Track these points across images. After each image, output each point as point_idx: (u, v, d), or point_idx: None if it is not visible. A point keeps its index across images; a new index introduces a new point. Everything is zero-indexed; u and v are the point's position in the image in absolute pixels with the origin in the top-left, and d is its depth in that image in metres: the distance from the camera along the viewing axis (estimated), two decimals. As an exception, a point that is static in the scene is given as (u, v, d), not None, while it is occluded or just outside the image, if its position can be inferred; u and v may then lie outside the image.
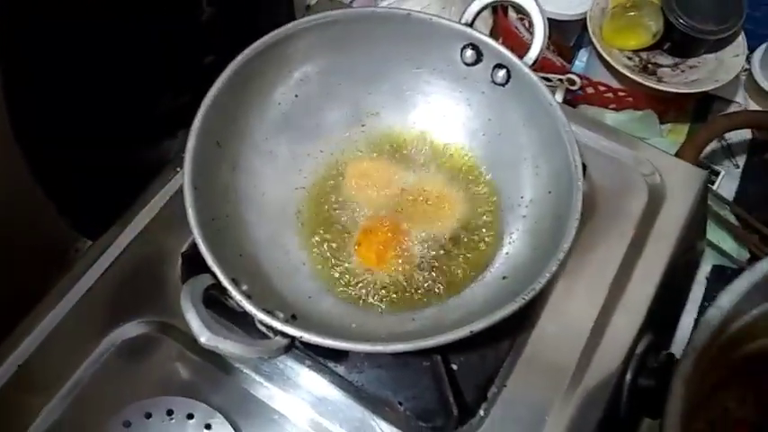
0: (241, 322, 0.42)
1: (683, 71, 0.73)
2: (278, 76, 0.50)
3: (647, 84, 0.70)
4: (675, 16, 0.70)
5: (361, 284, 0.48)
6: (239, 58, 0.46)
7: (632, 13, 0.70)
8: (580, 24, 0.76)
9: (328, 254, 0.50)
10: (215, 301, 0.39)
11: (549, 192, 0.48)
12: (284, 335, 0.38)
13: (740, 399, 0.49)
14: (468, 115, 0.54)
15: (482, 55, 0.51)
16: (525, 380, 0.48)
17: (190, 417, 0.45)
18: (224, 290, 0.39)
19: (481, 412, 0.47)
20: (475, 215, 0.52)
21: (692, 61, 0.74)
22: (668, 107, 0.74)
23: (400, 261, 0.49)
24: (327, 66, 0.52)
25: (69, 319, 0.49)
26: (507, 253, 0.49)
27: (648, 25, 0.71)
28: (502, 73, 0.51)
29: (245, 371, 0.47)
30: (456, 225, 0.51)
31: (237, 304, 0.39)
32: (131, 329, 0.48)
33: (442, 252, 0.50)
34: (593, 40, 0.73)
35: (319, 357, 0.47)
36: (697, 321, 0.68)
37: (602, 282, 0.52)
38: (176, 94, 0.66)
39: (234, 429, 0.45)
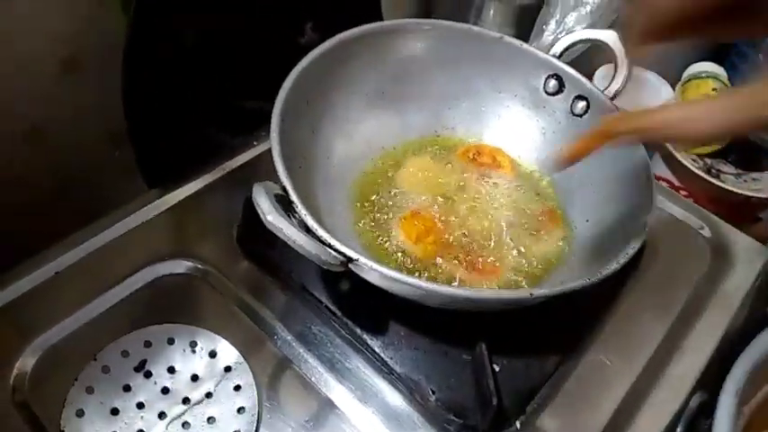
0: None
1: (745, 181, 0.74)
2: (373, 65, 0.53)
3: (710, 181, 0.72)
4: (743, 124, 0.72)
5: (400, 266, 0.47)
6: (347, 33, 0.50)
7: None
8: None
9: (378, 236, 0.49)
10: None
11: (618, 210, 0.47)
12: (342, 254, 0.37)
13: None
14: (540, 142, 0.55)
15: (564, 86, 0.54)
16: (568, 407, 0.44)
17: (212, 355, 0.42)
18: (290, 204, 0.39)
19: (517, 424, 0.43)
20: (534, 235, 0.51)
21: (756, 174, 0.75)
22: (728, 213, 0.74)
23: (449, 255, 0.48)
24: (417, 72, 0.55)
25: (117, 242, 0.48)
26: (566, 268, 0.48)
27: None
28: (582, 104, 0.53)
29: (277, 328, 0.45)
30: (512, 236, 0.50)
31: (302, 219, 0.38)
32: (174, 267, 0.47)
33: (491, 259, 0.49)
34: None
35: (356, 328, 0.45)
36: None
37: (659, 327, 0.49)
38: (254, 98, 0.70)
39: (254, 380, 0.42)
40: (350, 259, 0.37)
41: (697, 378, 0.47)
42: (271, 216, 0.34)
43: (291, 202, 0.38)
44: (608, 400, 0.45)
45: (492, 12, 0.82)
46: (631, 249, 0.40)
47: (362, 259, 0.36)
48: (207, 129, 0.64)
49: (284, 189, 0.39)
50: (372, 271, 0.37)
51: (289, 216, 0.39)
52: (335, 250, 0.37)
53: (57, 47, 0.55)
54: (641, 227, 0.42)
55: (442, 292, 0.36)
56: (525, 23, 0.83)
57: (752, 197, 0.71)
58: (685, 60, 0.84)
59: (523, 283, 0.47)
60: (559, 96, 0.54)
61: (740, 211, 0.74)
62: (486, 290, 0.37)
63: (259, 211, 0.34)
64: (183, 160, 0.58)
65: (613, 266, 0.39)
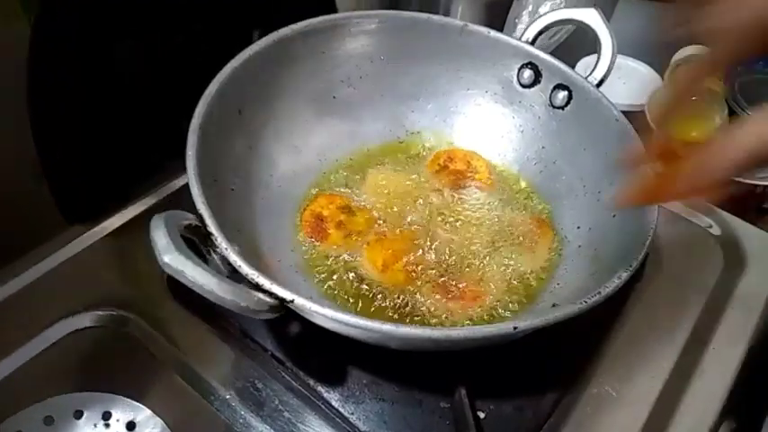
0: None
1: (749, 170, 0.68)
2: (318, 68, 0.46)
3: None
4: (740, 107, 0.66)
5: (362, 299, 0.40)
6: (283, 31, 0.43)
7: (692, 98, 0.67)
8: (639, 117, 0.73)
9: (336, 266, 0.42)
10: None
11: (614, 215, 0.40)
12: (273, 296, 0.29)
13: None
14: (519, 142, 0.48)
15: (540, 76, 0.47)
16: (572, 454, 0.37)
17: (130, 427, 0.34)
18: (207, 238, 0.31)
19: (513, 484, 0.35)
20: (520, 249, 0.43)
21: (758, 162, 0.68)
22: (731, 205, 0.67)
23: (423, 282, 0.40)
24: (373, 72, 0.48)
25: (21, 294, 0.40)
26: (558, 284, 0.40)
27: (710, 116, 0.67)
28: (562, 95, 0.46)
29: (214, 386, 0.37)
30: (495, 254, 0.43)
31: (221, 255, 0.30)
32: (89, 319, 0.39)
33: (472, 280, 0.41)
34: (653, 126, 0.69)
35: (309, 379, 0.37)
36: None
37: (671, 346, 0.42)
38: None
39: (184, 454, 0.34)
40: (283, 301, 0.29)
41: (723, 403, 0.40)
42: (168, 257, 0.26)
43: (210, 235, 0.31)
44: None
45: (460, 9, 0.76)
46: (635, 260, 0.33)
47: (300, 300, 0.29)
48: (137, 153, 0.56)
49: (201, 219, 0.31)
50: (316, 314, 0.29)
51: (209, 254, 0.31)
52: (265, 291, 0.29)
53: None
54: (645, 228, 0.35)
55: (402, 334, 0.28)
56: (497, 21, 0.76)
57: (757, 186, 0.64)
58: (671, 47, 0.77)
59: (511, 308, 0.40)
60: (536, 88, 0.47)
61: (744, 203, 0.67)
62: (459, 329, 0.29)
63: (156, 252, 0.27)
64: (109, 191, 0.51)
65: (614, 283, 0.32)
